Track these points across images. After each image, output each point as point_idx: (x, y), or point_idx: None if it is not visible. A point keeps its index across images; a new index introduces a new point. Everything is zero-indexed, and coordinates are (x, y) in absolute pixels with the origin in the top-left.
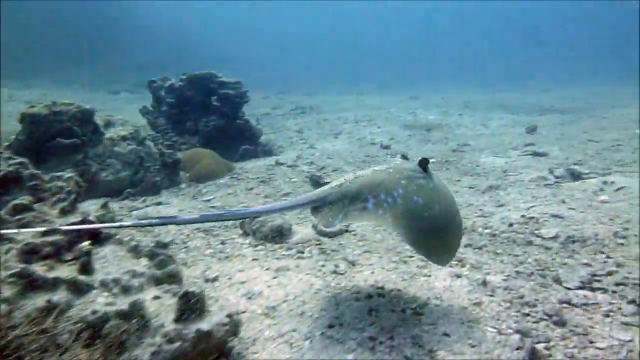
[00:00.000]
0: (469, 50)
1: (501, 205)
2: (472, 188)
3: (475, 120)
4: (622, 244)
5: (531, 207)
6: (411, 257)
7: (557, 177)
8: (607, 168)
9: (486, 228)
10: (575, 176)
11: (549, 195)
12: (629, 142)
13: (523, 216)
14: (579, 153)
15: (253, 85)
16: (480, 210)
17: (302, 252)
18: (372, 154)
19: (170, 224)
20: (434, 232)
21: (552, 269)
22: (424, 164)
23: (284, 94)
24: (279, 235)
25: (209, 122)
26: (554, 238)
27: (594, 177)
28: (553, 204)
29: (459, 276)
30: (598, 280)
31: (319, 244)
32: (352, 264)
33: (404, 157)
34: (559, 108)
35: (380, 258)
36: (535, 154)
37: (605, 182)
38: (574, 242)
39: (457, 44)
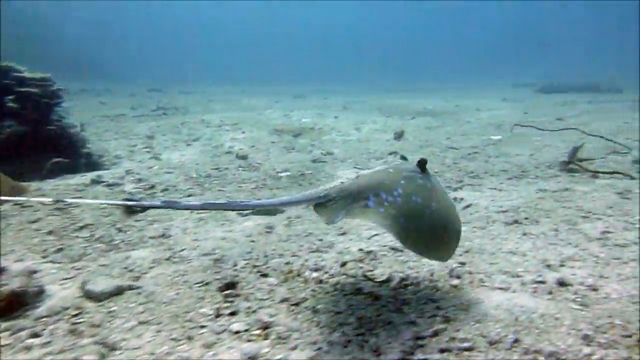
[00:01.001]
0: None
1: (344, 234)
2: None
3: (349, 123)
4: (455, 287)
5: (374, 235)
6: (203, 327)
7: None
8: (460, 181)
9: (316, 270)
10: None
11: None
12: (484, 150)
13: (361, 250)
14: (437, 163)
15: (129, 81)
16: (319, 241)
17: (39, 335)
18: (222, 166)
19: (169, 208)
20: (432, 230)
21: (375, 331)
22: (422, 164)
23: (158, 91)
24: (17, 304)
25: (3, 128)
26: (387, 282)
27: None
28: None
29: (254, 358)
30: (422, 346)
31: (78, 314)
32: (112, 348)
33: (403, 157)
34: (430, 111)
35: (158, 333)
36: None
37: (454, 199)
38: (407, 286)
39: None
